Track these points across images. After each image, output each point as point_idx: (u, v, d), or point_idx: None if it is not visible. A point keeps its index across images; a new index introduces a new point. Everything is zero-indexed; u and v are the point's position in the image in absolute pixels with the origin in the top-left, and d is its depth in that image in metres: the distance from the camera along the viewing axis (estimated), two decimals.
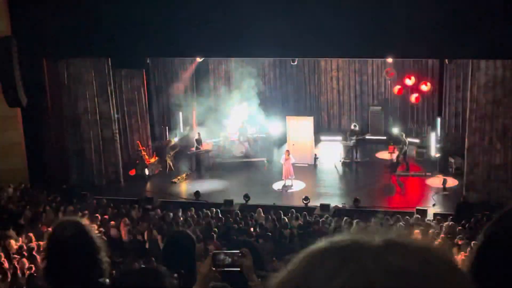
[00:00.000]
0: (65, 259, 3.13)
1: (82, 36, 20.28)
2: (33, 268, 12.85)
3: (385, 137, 26.10)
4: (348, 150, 24.92)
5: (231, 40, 19.75)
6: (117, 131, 23.02)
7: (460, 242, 15.58)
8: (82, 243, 3.17)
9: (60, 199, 20.15)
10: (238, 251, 3.51)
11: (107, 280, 3.14)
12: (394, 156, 23.60)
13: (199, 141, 24.88)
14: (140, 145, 24.10)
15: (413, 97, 25.48)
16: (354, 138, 24.83)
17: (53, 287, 3.21)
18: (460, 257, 14.64)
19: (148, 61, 24.63)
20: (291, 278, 0.93)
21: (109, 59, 22.33)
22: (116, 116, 22.85)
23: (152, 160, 24.24)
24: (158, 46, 20.72)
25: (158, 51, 21.75)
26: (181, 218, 18.21)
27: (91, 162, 22.91)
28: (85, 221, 3.40)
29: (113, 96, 22.91)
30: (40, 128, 22.51)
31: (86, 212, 18.45)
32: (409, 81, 25.62)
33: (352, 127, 25.79)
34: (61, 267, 3.14)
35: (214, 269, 3.49)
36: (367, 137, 26.03)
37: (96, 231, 3.35)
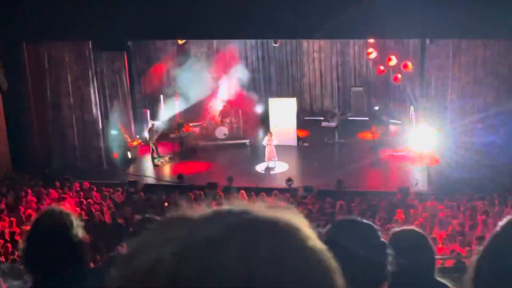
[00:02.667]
0: (44, 249, 3.13)
1: (63, 19, 20.08)
2: (16, 254, 12.81)
3: (367, 118, 26.18)
4: (331, 131, 24.97)
5: (213, 22, 19.66)
6: (98, 114, 22.90)
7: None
8: (64, 233, 3.17)
9: (42, 183, 20.07)
10: None
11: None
12: (377, 136, 23.70)
13: (180, 125, 24.81)
14: (122, 129, 23.99)
15: (395, 78, 25.53)
16: (336, 119, 24.91)
17: (34, 274, 3.21)
18: (441, 236, 14.81)
19: (129, 44, 24.45)
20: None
21: (90, 42, 22.16)
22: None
23: (135, 143, 24.15)
24: (139, 28, 20.56)
25: (139, 33, 21.61)
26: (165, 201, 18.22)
27: (74, 146, 22.81)
28: (70, 211, 3.39)
29: (95, 79, 22.77)
30: (22, 113, 22.33)
31: (69, 196, 18.43)
32: (391, 62, 25.66)
33: (334, 108, 25.85)
34: (40, 256, 3.14)
35: None
36: (349, 117, 26.08)
37: (80, 220, 3.33)
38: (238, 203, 0.97)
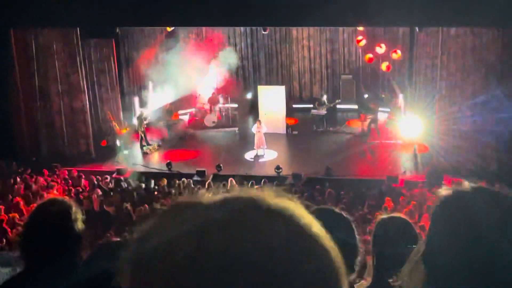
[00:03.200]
0: (42, 238, 3.12)
1: (50, 5, 19.92)
2: (4, 241, 12.77)
3: (356, 106, 26.20)
4: (320, 119, 24.99)
5: (201, 9, 19.56)
6: (87, 102, 22.80)
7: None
8: (64, 224, 3.18)
9: (31, 171, 20.00)
10: None
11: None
12: (366, 124, 23.74)
13: (169, 112, 24.75)
14: (111, 116, 23.92)
15: (384, 65, 25.55)
16: (324, 107, 24.94)
17: (28, 262, 3.20)
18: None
19: (117, 31, 24.32)
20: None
21: (78, 29, 22.02)
22: None
23: (124, 131, 24.08)
24: (127, 15, 20.45)
25: (127, 20, 21.48)
26: (154, 189, 18.20)
27: (62, 134, 22.71)
28: (71, 203, 3.41)
29: (83, 66, 22.66)
30: (9, 100, 22.19)
31: (57, 183, 18.39)
32: (380, 50, 25.67)
33: (323, 96, 25.86)
34: (38, 244, 3.14)
35: None
36: (338, 106, 26.08)
37: (80, 212, 3.35)
38: (245, 191, 1.00)
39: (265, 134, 22.48)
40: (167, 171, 21.11)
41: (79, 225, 3.26)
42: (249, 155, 22.57)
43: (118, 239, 3.28)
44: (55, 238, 3.14)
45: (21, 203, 15.43)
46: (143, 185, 18.52)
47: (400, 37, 25.75)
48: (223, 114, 25.96)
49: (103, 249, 2.65)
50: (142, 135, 23.75)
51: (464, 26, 19.46)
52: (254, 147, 22.51)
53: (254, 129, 22.56)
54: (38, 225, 3.20)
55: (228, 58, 26.17)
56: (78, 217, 3.30)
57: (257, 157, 22.43)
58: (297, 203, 0.99)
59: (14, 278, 3.22)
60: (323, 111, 24.90)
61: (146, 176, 20.17)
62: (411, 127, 22.87)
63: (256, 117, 23.84)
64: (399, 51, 25.08)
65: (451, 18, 18.25)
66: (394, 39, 25.90)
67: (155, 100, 26.67)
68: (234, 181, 18.93)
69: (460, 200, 1.66)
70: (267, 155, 22.42)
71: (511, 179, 17.73)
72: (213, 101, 26.14)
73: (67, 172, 20.27)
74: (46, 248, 3.12)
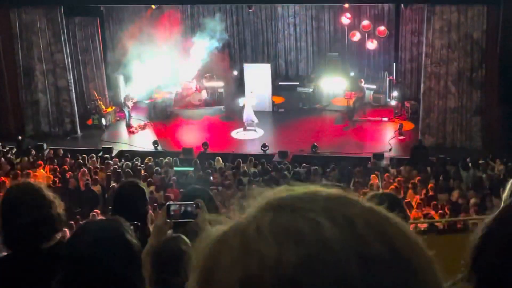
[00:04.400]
0: (17, 221, 3.10)
1: None
2: None
3: (342, 83, 26.18)
4: (306, 97, 24.98)
5: None
6: (72, 80, 22.67)
7: (417, 184, 15.97)
8: (35, 205, 3.15)
9: (16, 150, 19.91)
10: (192, 202, 3.53)
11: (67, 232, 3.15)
12: (351, 102, 23.77)
13: (154, 91, 24.65)
14: (96, 95, 23.81)
15: (370, 43, 25.53)
16: (311, 85, 24.96)
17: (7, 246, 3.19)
18: (415, 200, 15.00)
19: (102, 9, 24.12)
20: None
21: (62, 6, 21.83)
22: None
23: (109, 109, 23.99)
24: None
25: None
26: (141, 168, 18.18)
27: (47, 113, 22.59)
28: (40, 183, 3.37)
29: (67, 45, 22.49)
30: None
31: (43, 163, 18.33)
32: (365, 27, 25.63)
33: (310, 74, 25.85)
34: (13, 228, 3.12)
35: (168, 220, 3.50)
36: (324, 83, 26.05)
37: (54, 194, 3.31)
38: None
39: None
40: (153, 150, 21.09)
41: (55, 205, 3.22)
42: (235, 133, 22.56)
43: (104, 218, 3.28)
44: (28, 220, 3.10)
45: (7, 182, 15.39)
46: (130, 164, 18.49)
47: (386, 14, 25.72)
48: (209, 92, 25.88)
49: (87, 228, 2.65)
50: (128, 114, 23.66)
51: (448, 2, 19.50)
52: (243, 119, 22.43)
53: (243, 101, 22.59)
54: (10, 209, 3.17)
55: (213, 34, 25.97)
56: (52, 196, 3.25)
57: (249, 126, 22.40)
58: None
59: None
60: (310, 89, 24.90)
61: (132, 154, 20.13)
62: (397, 104, 22.95)
63: (242, 95, 23.80)
64: (384, 28, 25.08)
65: None
66: (380, 16, 25.86)
67: (140, 78, 26.53)
68: (220, 160, 18.98)
69: None
70: (254, 134, 22.38)
71: (495, 156, 17.92)
72: (198, 79, 26.04)
73: (52, 151, 20.20)
74: (22, 231, 3.10)
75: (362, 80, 23.86)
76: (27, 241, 3.11)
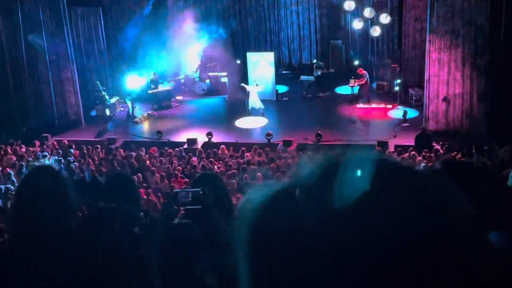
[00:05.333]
0: (37, 203, 3.10)
1: None
2: None
3: (346, 71, 26.14)
4: (310, 85, 24.95)
5: None
6: (75, 71, 22.66)
7: None
8: (55, 188, 3.14)
9: (20, 141, 19.94)
10: (199, 189, 3.54)
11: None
12: (355, 89, 23.73)
13: (155, 82, 24.62)
14: (99, 85, 23.80)
15: (373, 30, 25.44)
16: (316, 72, 24.91)
17: (21, 230, 3.19)
18: None
19: None
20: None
21: None
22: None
23: (113, 100, 23.99)
24: None
25: None
26: (145, 158, 18.18)
27: (51, 104, 22.59)
28: (57, 167, 3.36)
29: (70, 35, 22.47)
30: None
31: (48, 154, 18.34)
32: (369, 14, 25.53)
33: (314, 62, 25.79)
34: (32, 210, 3.11)
35: (176, 207, 3.51)
36: (328, 71, 26.02)
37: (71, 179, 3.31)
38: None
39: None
40: (158, 140, 21.09)
41: (69, 187, 3.22)
42: (239, 123, 22.55)
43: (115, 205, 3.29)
44: (47, 205, 3.11)
45: (15, 174, 15.43)
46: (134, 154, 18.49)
47: (389, 1, 25.63)
48: (212, 81, 25.86)
49: (94, 217, 2.65)
50: (131, 105, 23.67)
51: None
52: (249, 105, 22.54)
53: (250, 88, 22.66)
54: (29, 193, 3.17)
55: (217, 23, 25.96)
56: (67, 180, 3.25)
57: (254, 112, 22.55)
58: None
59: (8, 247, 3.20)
60: (312, 77, 24.87)
61: (136, 145, 20.13)
62: (401, 92, 22.89)
63: (245, 84, 23.80)
64: (388, 15, 24.97)
65: None
66: (383, 2, 25.76)
67: (143, 68, 26.52)
68: (225, 149, 18.96)
69: None
70: (258, 122, 22.39)
71: (500, 142, 17.85)
72: (202, 68, 26.02)
73: (57, 143, 20.22)
74: (38, 217, 3.11)
75: (361, 69, 23.80)
76: (41, 225, 3.10)
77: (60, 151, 19.06)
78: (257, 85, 22.96)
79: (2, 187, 13.70)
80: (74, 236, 3.02)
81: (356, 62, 25.71)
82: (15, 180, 14.79)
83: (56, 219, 3.11)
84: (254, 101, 22.54)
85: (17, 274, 3.05)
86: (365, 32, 26.20)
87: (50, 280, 2.89)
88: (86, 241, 2.52)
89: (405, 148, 18.83)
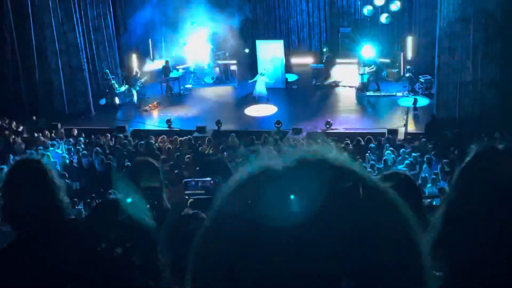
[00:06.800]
0: (22, 198, 3.03)
1: None
2: None
3: (356, 59, 25.99)
4: (320, 73, 24.86)
5: None
6: (84, 60, 22.66)
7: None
8: (40, 182, 3.07)
9: (31, 130, 19.98)
10: (209, 178, 3.51)
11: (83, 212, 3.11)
12: (366, 77, 23.62)
13: (167, 69, 24.60)
14: (109, 74, 23.78)
15: (383, 17, 25.29)
16: (326, 60, 24.85)
17: (11, 225, 3.13)
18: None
19: None
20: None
21: None
22: None
23: (122, 88, 23.97)
24: None
25: None
26: (156, 146, 18.19)
27: (60, 92, 22.60)
28: (43, 161, 3.27)
29: (79, 24, 22.46)
30: (6, 60, 22.05)
31: (58, 142, 18.39)
32: (379, 1, 25.36)
33: (324, 50, 25.72)
34: (18, 206, 3.05)
35: (186, 197, 3.49)
36: (338, 59, 25.90)
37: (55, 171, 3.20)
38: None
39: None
40: (167, 128, 21.09)
41: (56, 182, 3.13)
42: (249, 111, 22.51)
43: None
44: (33, 198, 3.03)
45: None
46: (143, 142, 18.51)
47: None
48: (222, 69, 25.80)
49: (103, 207, 2.63)
50: (134, 94, 23.55)
51: None
52: (255, 93, 22.64)
53: (257, 77, 22.73)
54: (14, 187, 3.08)
55: (226, 12, 25.86)
56: (53, 174, 3.15)
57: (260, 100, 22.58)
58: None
59: (8, 248, 3.12)
60: (323, 65, 24.82)
61: (146, 133, 20.15)
62: (411, 79, 22.77)
63: (255, 72, 23.77)
64: (398, 2, 24.81)
65: None
66: None
67: (153, 56, 26.49)
68: (235, 138, 18.94)
69: (492, 158, 1.60)
70: (267, 110, 22.38)
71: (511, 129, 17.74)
72: (212, 56, 25.96)
73: (66, 131, 20.25)
74: (26, 209, 3.02)
75: (371, 56, 23.73)
76: (27, 223, 3.03)
77: (70, 139, 19.09)
78: (264, 69, 23.14)
79: None
80: (69, 230, 2.97)
81: (366, 50, 25.54)
82: None
83: (43, 215, 3.05)
84: (260, 89, 22.71)
85: (11, 273, 3.00)
86: (375, 19, 26.03)
87: (46, 279, 2.86)
88: (88, 233, 2.48)
89: (415, 136, 18.78)
